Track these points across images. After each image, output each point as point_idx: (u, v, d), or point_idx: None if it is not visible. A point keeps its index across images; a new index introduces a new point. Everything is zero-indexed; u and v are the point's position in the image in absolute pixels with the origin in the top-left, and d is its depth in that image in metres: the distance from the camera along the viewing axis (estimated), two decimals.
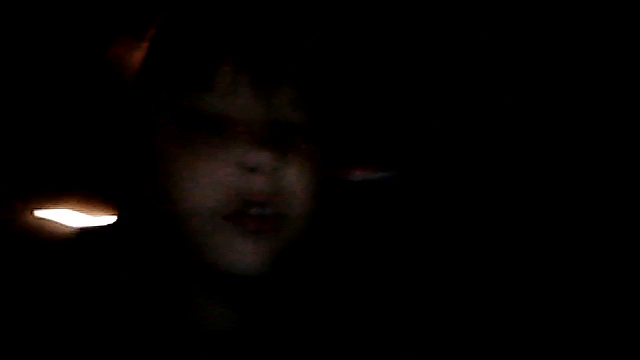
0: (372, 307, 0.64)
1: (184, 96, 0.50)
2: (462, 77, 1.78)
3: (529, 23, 1.64)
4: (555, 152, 1.64)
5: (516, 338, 1.33)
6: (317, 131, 0.55)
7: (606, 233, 1.49)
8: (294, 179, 0.51)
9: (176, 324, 0.55)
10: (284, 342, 0.58)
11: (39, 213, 2.30)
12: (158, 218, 0.53)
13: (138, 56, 0.53)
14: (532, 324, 1.35)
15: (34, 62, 1.93)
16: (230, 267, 0.50)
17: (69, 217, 2.22)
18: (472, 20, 1.68)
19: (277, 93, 0.51)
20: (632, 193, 1.54)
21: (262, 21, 0.52)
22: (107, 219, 0.60)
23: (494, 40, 1.69)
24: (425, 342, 0.65)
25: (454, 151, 1.71)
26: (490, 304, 1.40)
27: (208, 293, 0.55)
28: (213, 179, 0.49)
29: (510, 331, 1.34)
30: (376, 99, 1.75)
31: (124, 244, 0.56)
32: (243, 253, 0.50)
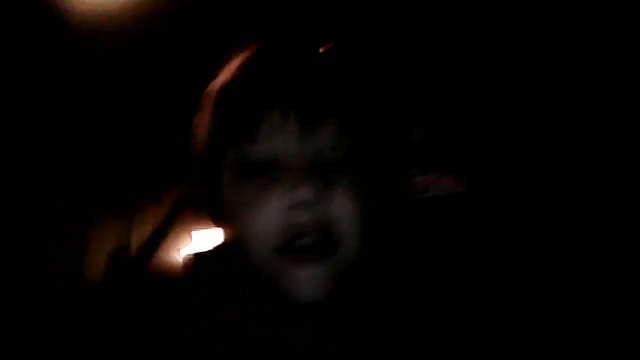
0: (445, 325, 0.64)
1: (243, 146, 0.56)
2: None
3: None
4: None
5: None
6: (359, 162, 0.57)
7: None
8: (341, 207, 0.54)
9: (262, 351, 0.58)
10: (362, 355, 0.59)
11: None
12: (236, 256, 0.59)
13: (204, 119, 0.61)
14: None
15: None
16: (291, 296, 0.54)
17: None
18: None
19: (317, 133, 0.55)
20: (633, 193, 1.50)
21: (302, 74, 0.57)
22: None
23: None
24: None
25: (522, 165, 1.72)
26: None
27: (287, 321, 0.58)
28: (265, 218, 0.54)
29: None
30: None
31: (223, 276, 0.62)
32: (298, 282, 0.53)
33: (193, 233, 2.72)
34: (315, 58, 0.60)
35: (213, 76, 0.62)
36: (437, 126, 1.84)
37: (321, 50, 0.61)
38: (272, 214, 0.54)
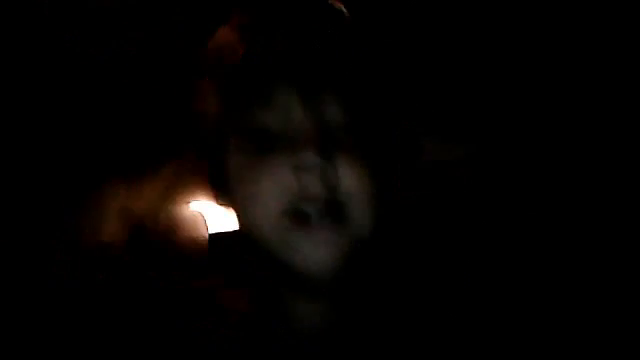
0: (455, 309, 0.64)
1: (250, 116, 0.58)
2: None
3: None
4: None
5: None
6: (365, 132, 0.59)
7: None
8: (347, 175, 0.56)
9: (274, 324, 0.61)
10: (372, 337, 0.61)
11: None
12: (245, 226, 0.60)
13: (207, 95, 0.63)
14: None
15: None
16: (303, 268, 0.55)
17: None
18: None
19: (321, 102, 0.57)
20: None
21: (306, 42, 0.58)
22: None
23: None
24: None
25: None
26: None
27: (299, 295, 0.59)
28: (273, 187, 0.55)
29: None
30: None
31: (236, 250, 0.66)
32: (311, 254, 0.54)
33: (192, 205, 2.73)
34: (319, 25, 0.61)
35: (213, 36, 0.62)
36: (444, 93, 1.82)
37: (326, 19, 0.62)
38: (279, 185, 0.55)
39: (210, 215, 2.94)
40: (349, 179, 0.56)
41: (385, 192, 0.60)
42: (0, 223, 2.41)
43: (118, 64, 2.26)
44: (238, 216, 0.62)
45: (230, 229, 0.75)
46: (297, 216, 0.55)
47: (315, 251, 0.54)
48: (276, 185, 0.55)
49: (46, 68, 2.19)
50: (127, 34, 2.13)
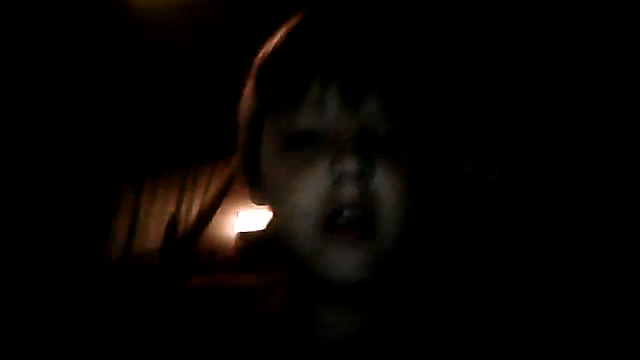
0: (485, 314, 0.61)
1: (283, 117, 0.55)
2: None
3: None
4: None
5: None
6: (406, 138, 0.56)
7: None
8: (383, 185, 0.52)
9: (300, 330, 0.58)
10: (402, 348, 0.58)
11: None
12: (278, 230, 0.58)
13: (247, 93, 0.61)
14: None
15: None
16: (330, 275, 0.52)
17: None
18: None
19: (361, 105, 0.53)
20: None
21: (342, 41, 0.55)
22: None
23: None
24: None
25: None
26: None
27: (326, 302, 0.57)
28: (307, 188, 0.53)
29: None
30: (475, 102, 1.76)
31: (268, 253, 0.64)
32: (338, 261, 0.52)
33: (240, 212, 2.76)
34: (360, 29, 0.57)
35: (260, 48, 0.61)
36: (485, 111, 1.82)
37: (366, 21, 0.59)
38: (314, 186, 0.53)
39: (244, 215, 2.93)
40: (385, 188, 0.53)
41: (419, 204, 0.57)
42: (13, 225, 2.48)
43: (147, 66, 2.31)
44: (273, 216, 0.60)
45: (262, 228, 0.65)
46: (330, 222, 0.52)
47: (345, 259, 0.52)
48: (313, 189, 0.53)
49: (48, 69, 2.26)
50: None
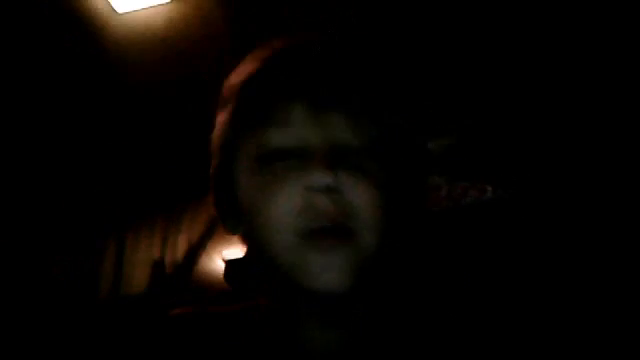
0: (465, 331, 0.61)
1: (253, 139, 0.57)
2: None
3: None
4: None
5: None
6: (374, 150, 0.57)
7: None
8: (356, 196, 0.54)
9: (284, 346, 0.58)
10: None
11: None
12: (257, 247, 0.59)
13: (218, 122, 0.63)
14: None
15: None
16: (312, 284, 0.53)
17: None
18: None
19: (326, 119, 0.56)
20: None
21: (314, 65, 0.58)
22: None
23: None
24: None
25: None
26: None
27: (309, 316, 0.57)
28: (282, 201, 0.54)
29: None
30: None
31: (248, 274, 0.64)
32: (319, 268, 0.52)
33: (228, 250, 2.75)
34: (326, 50, 0.60)
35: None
36: (466, 134, 1.84)
37: (331, 43, 0.62)
38: (289, 199, 0.54)
39: (230, 253, 2.91)
40: (358, 199, 0.54)
41: (396, 219, 0.59)
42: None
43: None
44: (250, 238, 0.61)
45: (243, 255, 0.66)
46: (308, 234, 0.53)
47: (325, 266, 0.52)
48: (287, 201, 0.54)
49: (51, 71, 2.25)
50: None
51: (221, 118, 0.62)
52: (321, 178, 0.52)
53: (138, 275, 2.80)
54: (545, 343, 0.62)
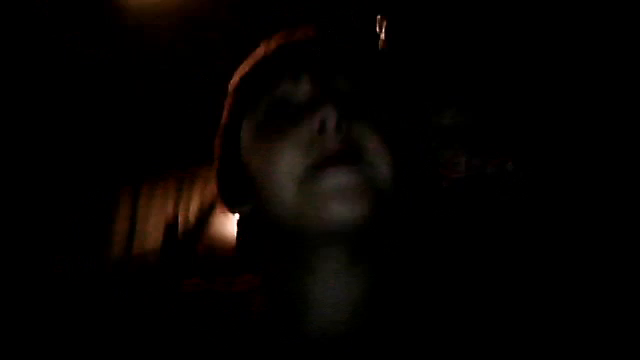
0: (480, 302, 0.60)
1: (266, 93, 0.59)
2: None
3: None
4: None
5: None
6: (377, 97, 0.59)
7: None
8: (363, 133, 0.54)
9: (291, 321, 0.57)
10: (396, 341, 0.56)
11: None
12: (264, 205, 0.58)
13: (234, 84, 0.65)
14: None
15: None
16: (323, 218, 0.51)
17: None
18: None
19: (338, 82, 0.58)
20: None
21: (313, 38, 0.61)
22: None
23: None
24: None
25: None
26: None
27: (320, 267, 0.55)
28: (291, 146, 0.54)
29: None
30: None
31: (254, 231, 0.63)
32: (328, 198, 0.51)
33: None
34: (329, 32, 0.63)
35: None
36: (481, 107, 1.81)
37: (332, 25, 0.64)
38: (297, 141, 0.54)
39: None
40: (365, 136, 0.54)
41: (402, 159, 0.58)
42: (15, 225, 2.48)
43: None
44: (256, 199, 0.59)
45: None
46: (313, 169, 0.52)
47: (335, 196, 0.51)
48: (296, 143, 0.54)
49: (45, 72, 2.26)
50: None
51: (226, 108, 0.64)
52: (330, 118, 0.52)
53: (151, 232, 2.82)
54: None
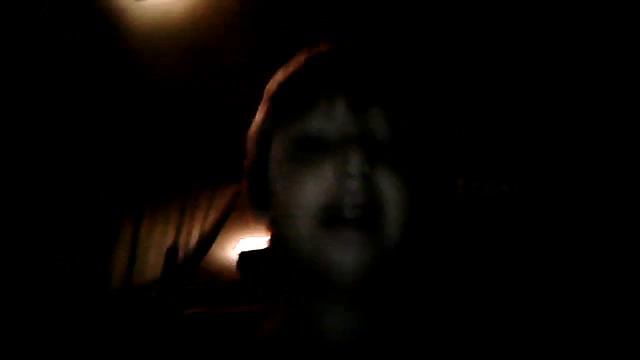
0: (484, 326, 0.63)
1: (294, 126, 0.60)
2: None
3: None
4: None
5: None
6: (404, 143, 0.61)
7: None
8: (385, 184, 0.57)
9: (302, 332, 0.60)
10: (403, 352, 0.60)
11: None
12: (280, 234, 0.61)
13: (259, 114, 0.67)
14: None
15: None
16: (327, 273, 0.55)
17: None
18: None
19: (365, 111, 0.60)
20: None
21: (347, 65, 0.63)
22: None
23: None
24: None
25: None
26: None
27: (327, 302, 0.59)
28: (314, 185, 0.56)
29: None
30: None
31: (270, 264, 0.65)
32: (335, 260, 0.54)
33: (241, 240, 2.76)
34: (361, 53, 0.65)
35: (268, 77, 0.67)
36: (483, 131, 1.83)
37: (364, 48, 0.66)
38: (321, 182, 0.56)
39: (245, 242, 2.92)
40: (386, 187, 0.57)
41: (419, 206, 0.61)
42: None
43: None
44: (275, 224, 0.62)
45: (262, 247, 0.68)
46: (334, 220, 0.55)
47: (347, 255, 0.54)
48: (319, 184, 0.56)
49: (48, 68, 2.26)
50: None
51: (261, 111, 0.66)
52: (357, 164, 0.55)
53: (151, 260, 2.82)
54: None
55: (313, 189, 0.56)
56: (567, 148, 1.74)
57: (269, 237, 0.65)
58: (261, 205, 0.64)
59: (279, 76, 0.65)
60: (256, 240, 2.68)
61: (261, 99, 0.67)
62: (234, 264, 2.78)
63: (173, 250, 2.73)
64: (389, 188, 0.57)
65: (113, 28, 2.08)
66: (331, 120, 0.59)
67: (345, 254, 0.54)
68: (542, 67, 1.82)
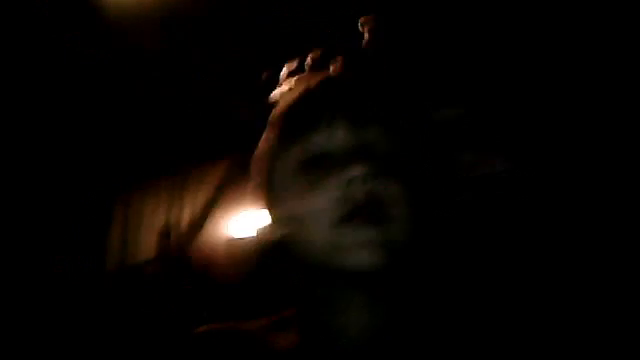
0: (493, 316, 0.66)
1: (302, 143, 0.65)
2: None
3: None
4: None
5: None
6: (403, 152, 0.66)
7: None
8: (388, 187, 0.61)
9: (321, 339, 0.64)
10: (418, 343, 0.63)
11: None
12: (296, 236, 0.65)
13: (266, 136, 0.71)
14: None
15: None
16: (343, 262, 0.59)
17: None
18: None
19: (368, 131, 0.65)
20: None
21: (346, 89, 0.68)
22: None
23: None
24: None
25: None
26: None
27: (345, 295, 0.63)
28: (323, 192, 0.61)
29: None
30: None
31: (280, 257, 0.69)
32: (357, 253, 0.59)
33: (233, 217, 2.74)
34: (358, 79, 0.71)
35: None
36: (483, 104, 1.81)
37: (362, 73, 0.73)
38: (328, 192, 0.61)
39: (237, 220, 2.87)
40: (390, 189, 0.61)
41: (424, 199, 0.65)
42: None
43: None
44: (288, 227, 0.66)
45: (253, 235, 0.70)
46: (346, 220, 0.59)
47: (363, 251, 0.58)
48: (327, 197, 0.61)
49: (39, 80, 2.22)
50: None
51: (266, 137, 0.71)
52: (357, 170, 0.59)
53: (144, 239, 2.81)
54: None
55: (321, 197, 0.60)
56: (567, 130, 1.73)
57: (259, 223, 0.70)
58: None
59: (281, 105, 0.70)
60: (246, 219, 2.66)
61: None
62: (231, 240, 2.75)
63: (166, 231, 2.72)
64: (392, 189, 0.61)
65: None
66: (333, 139, 0.64)
67: (356, 240, 0.58)
68: (542, 52, 1.80)
